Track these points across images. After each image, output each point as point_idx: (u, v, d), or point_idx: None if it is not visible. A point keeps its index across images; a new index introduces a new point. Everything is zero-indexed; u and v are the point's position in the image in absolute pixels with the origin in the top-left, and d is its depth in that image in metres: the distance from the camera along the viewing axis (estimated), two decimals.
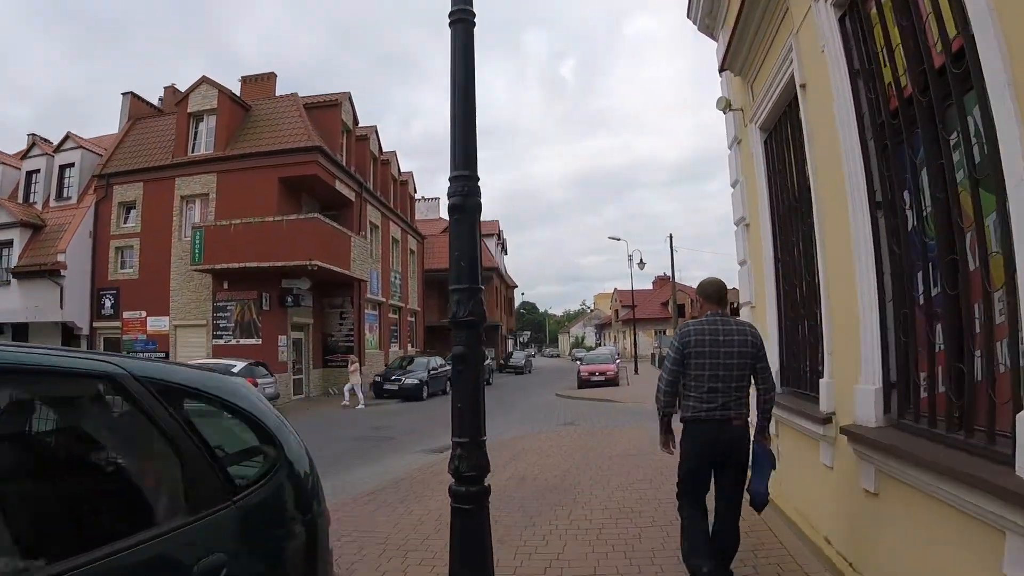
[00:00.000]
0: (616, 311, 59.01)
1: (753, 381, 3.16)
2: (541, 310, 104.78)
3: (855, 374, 3.05)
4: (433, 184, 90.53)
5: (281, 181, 18.27)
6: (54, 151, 21.54)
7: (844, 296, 3.28)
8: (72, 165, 21.08)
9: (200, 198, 19.06)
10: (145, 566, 1.34)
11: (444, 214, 42.34)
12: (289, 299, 17.49)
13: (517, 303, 63.45)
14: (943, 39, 2.23)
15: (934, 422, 2.45)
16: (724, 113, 6.00)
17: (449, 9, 2.71)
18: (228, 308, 17.79)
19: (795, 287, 4.42)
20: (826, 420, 3.41)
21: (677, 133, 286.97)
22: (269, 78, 22.32)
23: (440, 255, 33.87)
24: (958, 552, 2.12)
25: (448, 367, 22.84)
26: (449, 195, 2.66)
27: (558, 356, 76.62)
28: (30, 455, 1.40)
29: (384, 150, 26.03)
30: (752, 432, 3.21)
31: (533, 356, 50.47)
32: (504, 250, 43.46)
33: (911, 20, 2.47)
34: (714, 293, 3.30)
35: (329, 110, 20.88)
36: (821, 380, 3.60)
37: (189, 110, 19.41)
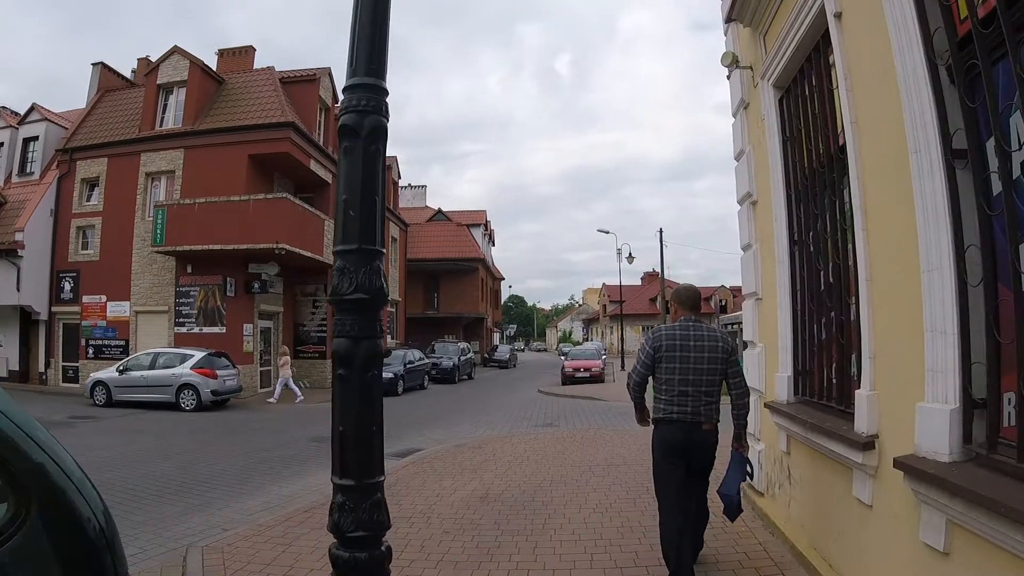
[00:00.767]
0: (604, 306, 58.24)
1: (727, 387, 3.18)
2: (529, 304, 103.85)
3: (916, 388, 2.22)
4: (424, 174, 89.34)
5: (251, 159, 17.10)
6: (19, 123, 20.25)
7: (897, 282, 2.45)
8: (36, 138, 19.81)
9: (166, 175, 17.86)
10: None
11: (430, 203, 41.14)
12: (256, 285, 16.35)
13: (505, 297, 62.66)
14: None
15: None
16: (729, 72, 5.16)
17: None
18: (191, 294, 16.61)
19: (817, 273, 3.59)
20: (867, 445, 2.58)
21: (670, 133, 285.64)
22: (247, 52, 20.86)
23: (424, 245, 33.08)
24: None
25: (426, 361, 22.00)
26: (341, 111, 1.78)
27: (545, 350, 75.85)
28: None
29: None
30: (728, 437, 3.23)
31: (520, 351, 49.78)
32: (492, 241, 42.52)
33: None
34: (688, 299, 3.40)
35: (307, 85, 19.57)
36: (857, 392, 2.77)
37: (159, 81, 18.15)
